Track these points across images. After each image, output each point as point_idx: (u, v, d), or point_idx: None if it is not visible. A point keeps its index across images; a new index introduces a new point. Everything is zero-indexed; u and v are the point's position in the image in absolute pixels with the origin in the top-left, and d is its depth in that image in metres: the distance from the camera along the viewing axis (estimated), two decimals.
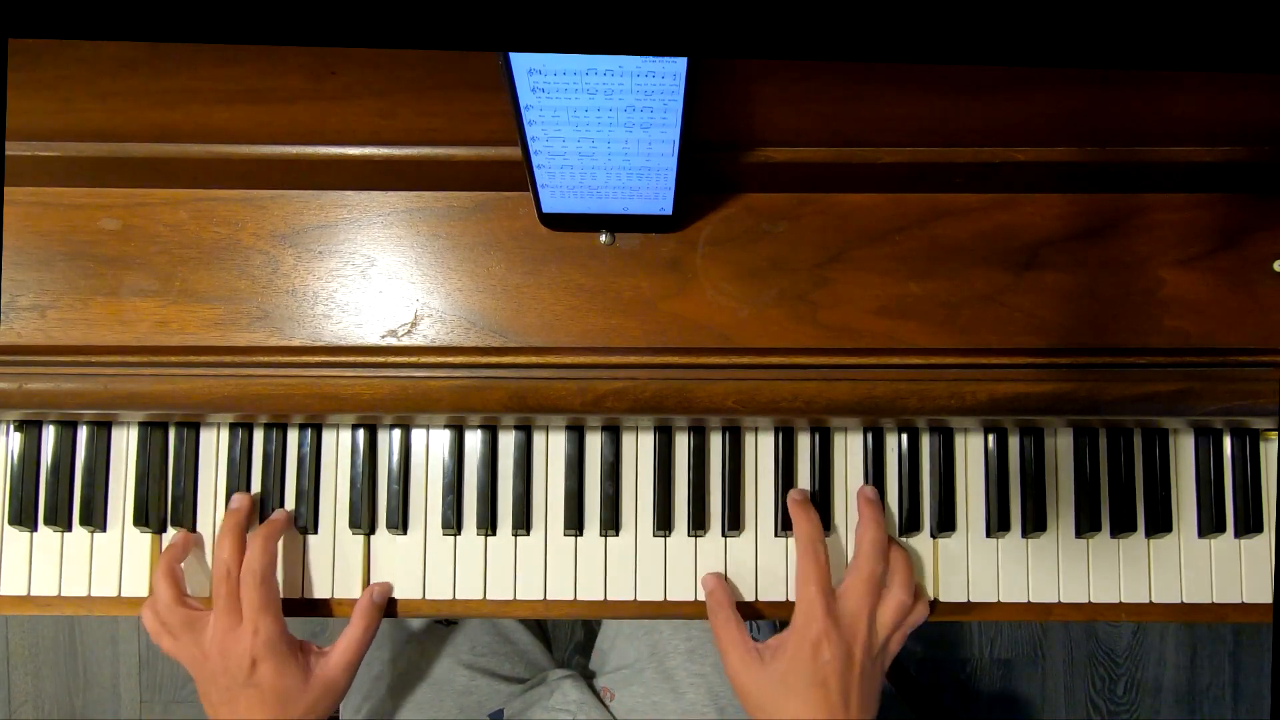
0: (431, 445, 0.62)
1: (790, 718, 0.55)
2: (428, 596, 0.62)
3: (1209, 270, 0.54)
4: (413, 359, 0.54)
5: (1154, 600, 0.62)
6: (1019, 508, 0.62)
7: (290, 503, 0.62)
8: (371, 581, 0.62)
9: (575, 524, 0.62)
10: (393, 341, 0.54)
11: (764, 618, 0.62)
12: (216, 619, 0.57)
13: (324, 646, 0.60)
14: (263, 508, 0.62)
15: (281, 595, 0.61)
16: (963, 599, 0.62)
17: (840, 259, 0.54)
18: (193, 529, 0.62)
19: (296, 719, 0.57)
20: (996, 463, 0.62)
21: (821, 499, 0.62)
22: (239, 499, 0.61)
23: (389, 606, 0.62)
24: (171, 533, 0.62)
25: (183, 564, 0.61)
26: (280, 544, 0.61)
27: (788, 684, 0.55)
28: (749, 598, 0.62)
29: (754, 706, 0.57)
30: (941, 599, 0.62)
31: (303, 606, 0.62)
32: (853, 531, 0.62)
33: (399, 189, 0.55)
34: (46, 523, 0.62)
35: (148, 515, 0.62)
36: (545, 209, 0.52)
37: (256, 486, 0.62)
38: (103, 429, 0.62)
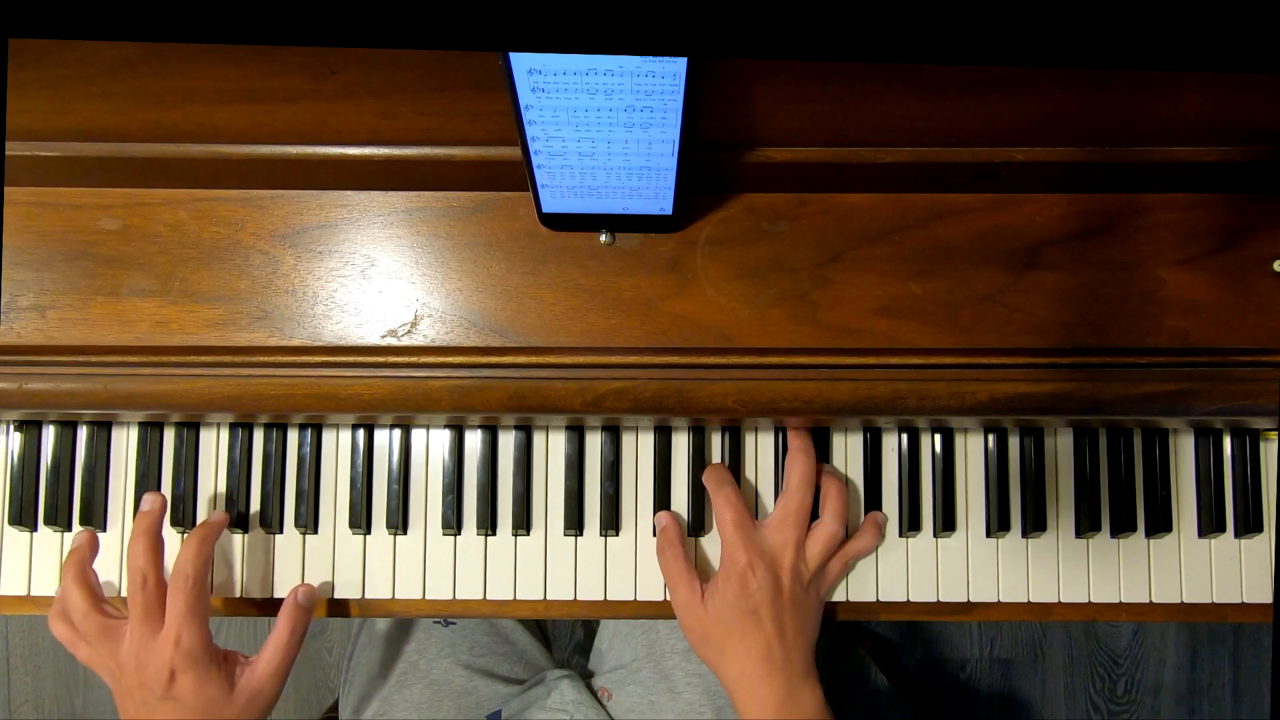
0: (431, 445, 0.62)
1: (730, 650, 0.56)
2: (428, 596, 0.62)
3: (1209, 270, 0.54)
4: (413, 359, 0.54)
5: (1154, 600, 0.62)
6: (1019, 508, 0.62)
7: (290, 503, 0.62)
8: (367, 581, 0.62)
9: (575, 524, 0.62)
10: (393, 341, 0.54)
11: None
12: (133, 628, 0.54)
13: (250, 656, 0.58)
14: (263, 507, 0.62)
15: (281, 596, 0.61)
16: (963, 599, 0.62)
17: (840, 259, 0.54)
18: (193, 529, 0.62)
19: None
20: (996, 463, 0.62)
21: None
22: (150, 500, 0.59)
23: (394, 608, 0.62)
24: (177, 536, 0.62)
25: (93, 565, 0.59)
26: (269, 547, 0.61)
27: (724, 619, 0.56)
28: None
29: (699, 642, 0.58)
30: (942, 599, 0.62)
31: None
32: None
33: (399, 189, 0.55)
34: (46, 523, 0.62)
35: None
36: (545, 209, 0.52)
37: (256, 486, 0.62)
38: (103, 429, 0.62)
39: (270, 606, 0.62)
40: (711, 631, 0.57)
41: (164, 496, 0.60)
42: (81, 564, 0.58)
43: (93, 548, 0.59)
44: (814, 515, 0.60)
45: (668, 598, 0.62)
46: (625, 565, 0.62)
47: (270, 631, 0.58)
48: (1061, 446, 0.63)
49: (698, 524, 0.62)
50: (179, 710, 0.53)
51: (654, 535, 0.62)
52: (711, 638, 0.57)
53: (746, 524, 0.58)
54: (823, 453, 0.62)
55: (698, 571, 0.60)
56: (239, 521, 0.62)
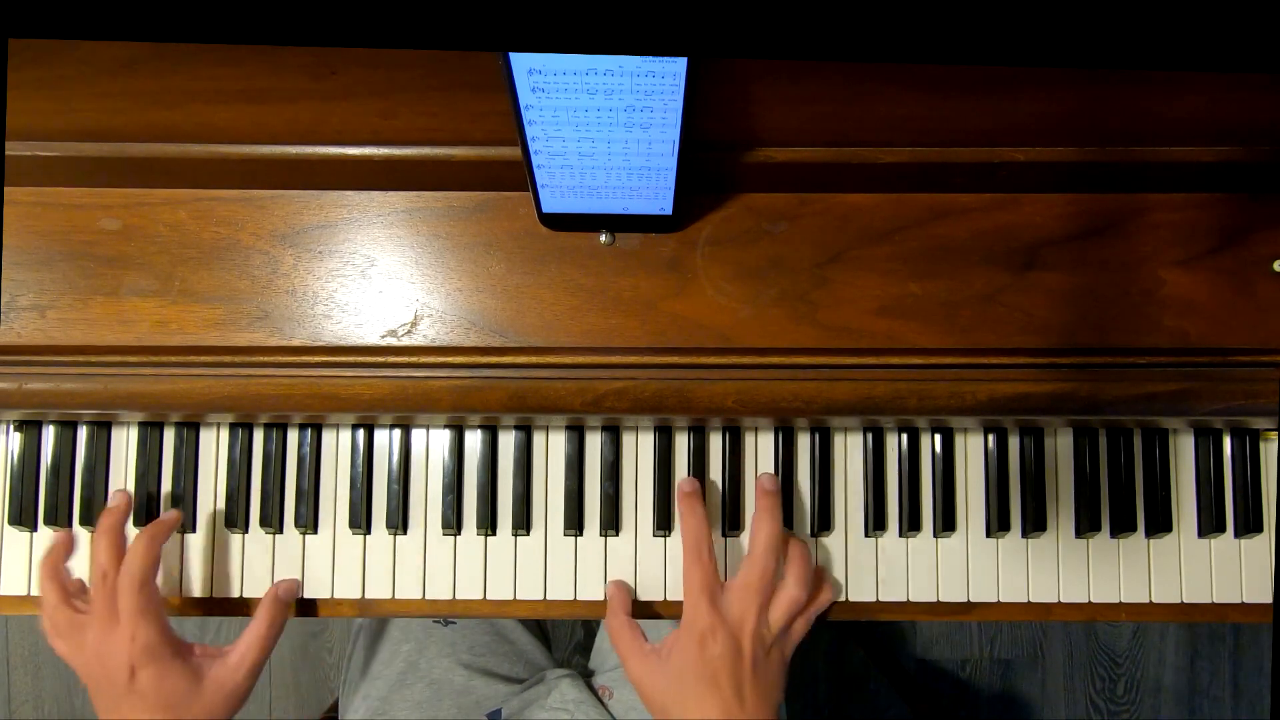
0: (431, 445, 0.62)
1: (688, 717, 0.54)
2: (427, 596, 0.62)
3: (1209, 270, 0.54)
4: (413, 359, 0.54)
5: (1154, 600, 0.62)
6: (1019, 508, 0.62)
7: (290, 503, 0.62)
8: (367, 581, 0.62)
9: (575, 524, 0.62)
10: (393, 341, 0.54)
11: None
12: (94, 624, 0.55)
13: (222, 647, 0.58)
14: (263, 507, 0.62)
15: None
16: (963, 599, 0.62)
17: (840, 259, 0.54)
18: (193, 529, 0.62)
19: None
20: (996, 463, 0.62)
21: (821, 499, 0.62)
22: (116, 497, 0.60)
23: (393, 608, 0.62)
24: (176, 537, 0.62)
25: (68, 563, 0.60)
26: (269, 546, 0.60)
27: (682, 682, 0.55)
28: None
29: (657, 709, 0.57)
30: (941, 599, 0.62)
31: (301, 607, 0.62)
32: (850, 535, 0.62)
33: (399, 189, 0.55)
34: (47, 523, 0.62)
35: (148, 515, 0.62)
36: (545, 209, 0.52)
37: (256, 486, 0.62)
38: (103, 429, 0.62)
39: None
40: (668, 694, 0.55)
41: (129, 494, 0.61)
42: (55, 562, 0.59)
43: (68, 546, 0.60)
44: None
45: (668, 597, 0.62)
46: (625, 565, 0.62)
47: (247, 625, 0.58)
48: (1061, 446, 0.63)
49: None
50: (143, 704, 0.54)
51: (653, 535, 0.62)
52: (668, 701, 0.55)
53: (713, 587, 0.56)
54: (823, 453, 0.62)
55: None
56: (239, 521, 0.62)
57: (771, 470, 0.62)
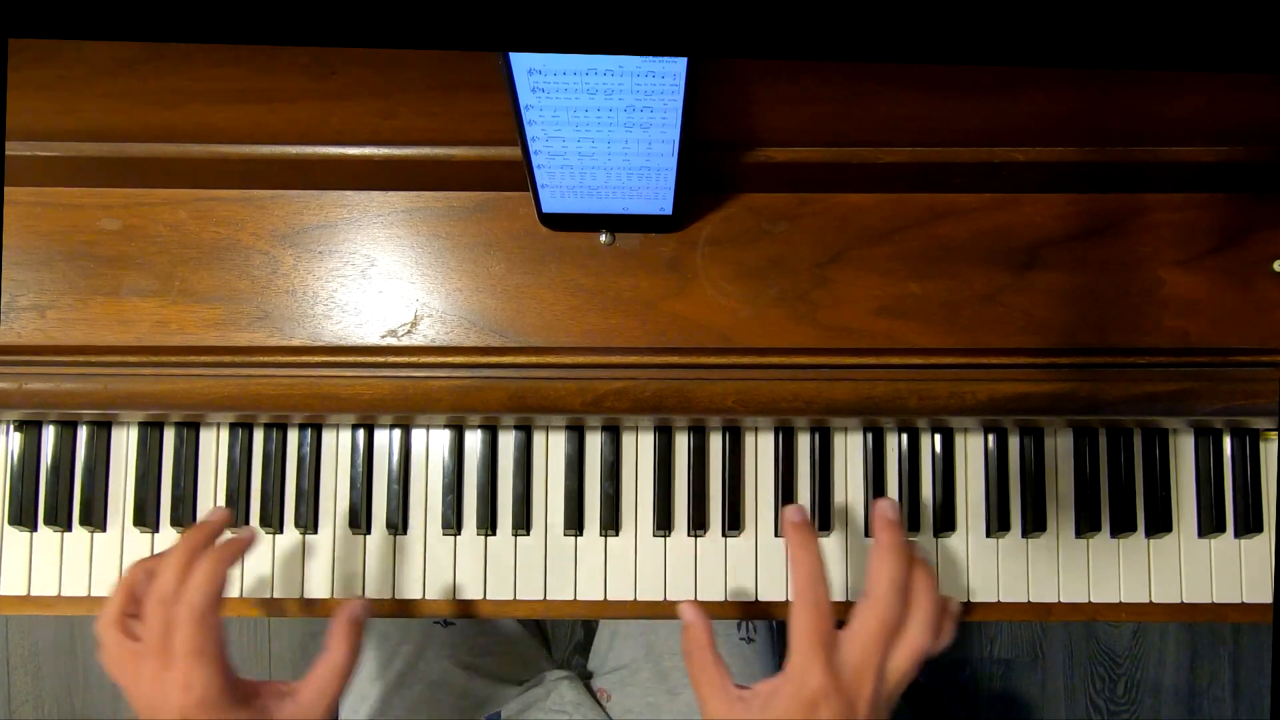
0: (431, 445, 0.62)
1: None
2: (427, 596, 0.62)
3: (1209, 270, 0.54)
4: (413, 359, 0.54)
5: (1154, 600, 0.62)
6: (1019, 508, 0.62)
7: (290, 503, 0.62)
8: (367, 581, 0.62)
9: (575, 524, 0.62)
10: (393, 341, 0.54)
11: (767, 617, 0.62)
12: (147, 659, 0.47)
13: (292, 682, 0.50)
14: (263, 507, 0.62)
15: (280, 596, 0.61)
16: (963, 599, 0.62)
17: (840, 259, 0.54)
18: None
19: None
20: (996, 463, 0.62)
21: (821, 499, 0.62)
22: (215, 514, 0.53)
23: (394, 608, 0.62)
24: (172, 533, 0.62)
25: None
26: (269, 546, 0.60)
27: None
28: (750, 598, 0.62)
29: None
30: None
31: (300, 607, 0.62)
32: (849, 535, 0.62)
33: (399, 189, 0.55)
34: (46, 523, 0.62)
35: (147, 515, 0.62)
36: (545, 209, 0.52)
37: (256, 486, 0.62)
38: (103, 429, 0.62)
39: (270, 607, 0.62)
40: None
41: (229, 512, 0.54)
42: (146, 569, 0.51)
43: (217, 540, 0.52)
44: None
45: (668, 597, 0.62)
46: (625, 565, 0.62)
47: (321, 653, 0.51)
48: (1061, 446, 0.63)
49: (698, 523, 0.61)
50: None
51: (653, 535, 0.62)
52: None
53: (829, 640, 0.46)
54: (823, 453, 0.62)
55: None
56: (239, 521, 0.62)
57: (772, 470, 0.62)
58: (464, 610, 0.62)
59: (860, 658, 0.46)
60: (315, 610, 0.62)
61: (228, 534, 0.53)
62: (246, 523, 0.62)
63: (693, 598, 0.61)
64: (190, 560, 0.49)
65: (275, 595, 0.62)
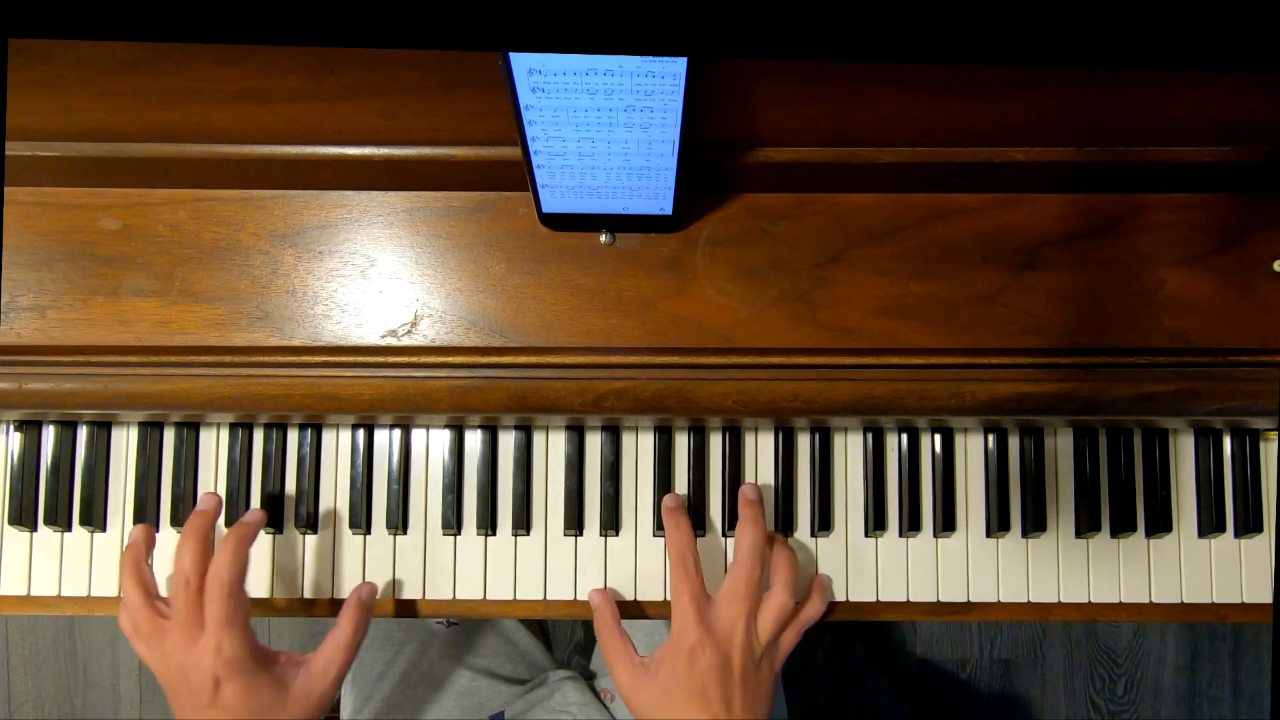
0: (431, 445, 0.62)
1: None
2: (427, 597, 0.62)
3: (1209, 270, 0.54)
4: (413, 359, 0.54)
5: (1154, 600, 0.62)
6: (1019, 508, 0.62)
7: (290, 503, 0.62)
8: (367, 580, 0.62)
9: (575, 524, 0.62)
10: (393, 341, 0.54)
11: None
12: (176, 632, 0.53)
13: (305, 655, 0.56)
14: (263, 507, 0.62)
15: (278, 596, 0.61)
16: (963, 599, 0.62)
17: (840, 259, 0.54)
18: None
19: None
20: (996, 463, 0.62)
21: (821, 499, 0.62)
22: (206, 500, 0.58)
23: (394, 608, 0.62)
24: (172, 532, 0.62)
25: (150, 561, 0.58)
26: (269, 547, 0.60)
27: (670, 696, 0.54)
28: None
29: None
30: (941, 599, 0.62)
31: (300, 607, 0.62)
32: (852, 531, 0.62)
33: (399, 189, 0.55)
34: (46, 523, 0.62)
35: (148, 515, 0.62)
36: (545, 209, 0.52)
37: (257, 486, 0.62)
38: (103, 429, 0.62)
39: (270, 607, 0.62)
40: (657, 708, 0.55)
41: (220, 497, 0.59)
42: (136, 558, 0.57)
43: (149, 541, 0.58)
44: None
45: (668, 598, 0.62)
46: (625, 565, 0.62)
47: (330, 631, 0.57)
48: (1061, 446, 0.63)
49: (698, 524, 0.61)
50: (228, 717, 0.52)
51: (653, 535, 0.62)
52: (656, 713, 0.55)
53: (701, 599, 0.55)
54: (823, 453, 0.62)
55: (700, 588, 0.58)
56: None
57: (772, 470, 0.62)
58: (464, 610, 0.62)
59: (730, 611, 0.55)
60: (313, 611, 0.62)
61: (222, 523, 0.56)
62: None
63: None
64: (201, 543, 0.54)
65: (274, 595, 0.62)
